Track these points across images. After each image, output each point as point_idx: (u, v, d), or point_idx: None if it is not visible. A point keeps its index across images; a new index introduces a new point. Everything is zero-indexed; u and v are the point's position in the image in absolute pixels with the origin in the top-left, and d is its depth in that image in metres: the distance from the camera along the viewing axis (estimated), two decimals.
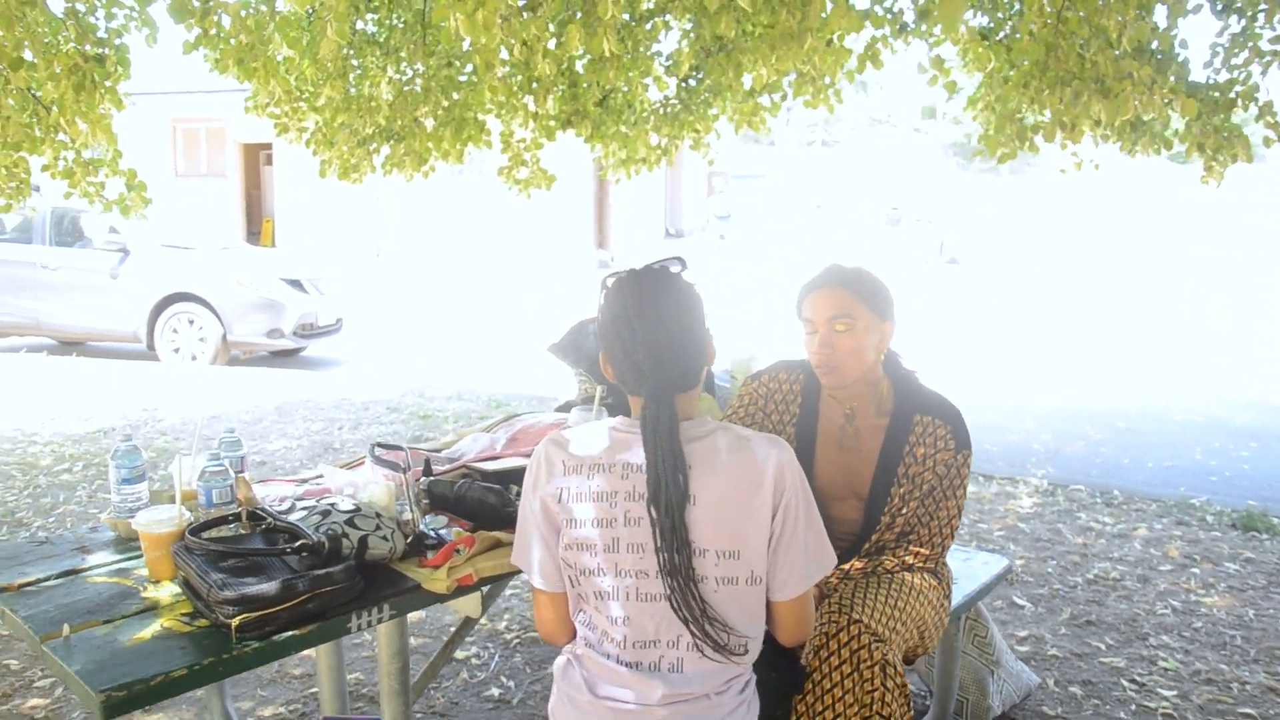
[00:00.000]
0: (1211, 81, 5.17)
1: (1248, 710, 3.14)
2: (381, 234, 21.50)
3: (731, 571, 1.63)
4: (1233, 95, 5.20)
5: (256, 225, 23.44)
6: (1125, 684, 3.30)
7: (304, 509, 1.85)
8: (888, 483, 2.18)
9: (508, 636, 3.62)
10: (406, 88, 5.45)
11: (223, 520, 1.82)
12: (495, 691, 3.20)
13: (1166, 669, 3.42)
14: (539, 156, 6.22)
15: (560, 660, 1.77)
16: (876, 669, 1.87)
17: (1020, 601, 3.97)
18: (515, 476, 2.36)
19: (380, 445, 2.14)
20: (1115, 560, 4.42)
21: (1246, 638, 3.68)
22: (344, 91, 5.36)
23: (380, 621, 1.73)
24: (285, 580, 1.57)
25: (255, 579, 1.58)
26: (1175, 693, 3.25)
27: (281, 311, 9.75)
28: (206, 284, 9.65)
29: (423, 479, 2.21)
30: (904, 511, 2.18)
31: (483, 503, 2.07)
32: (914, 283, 18.95)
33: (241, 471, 2.13)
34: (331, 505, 1.86)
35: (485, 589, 1.99)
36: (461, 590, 1.86)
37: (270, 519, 1.81)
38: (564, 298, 15.86)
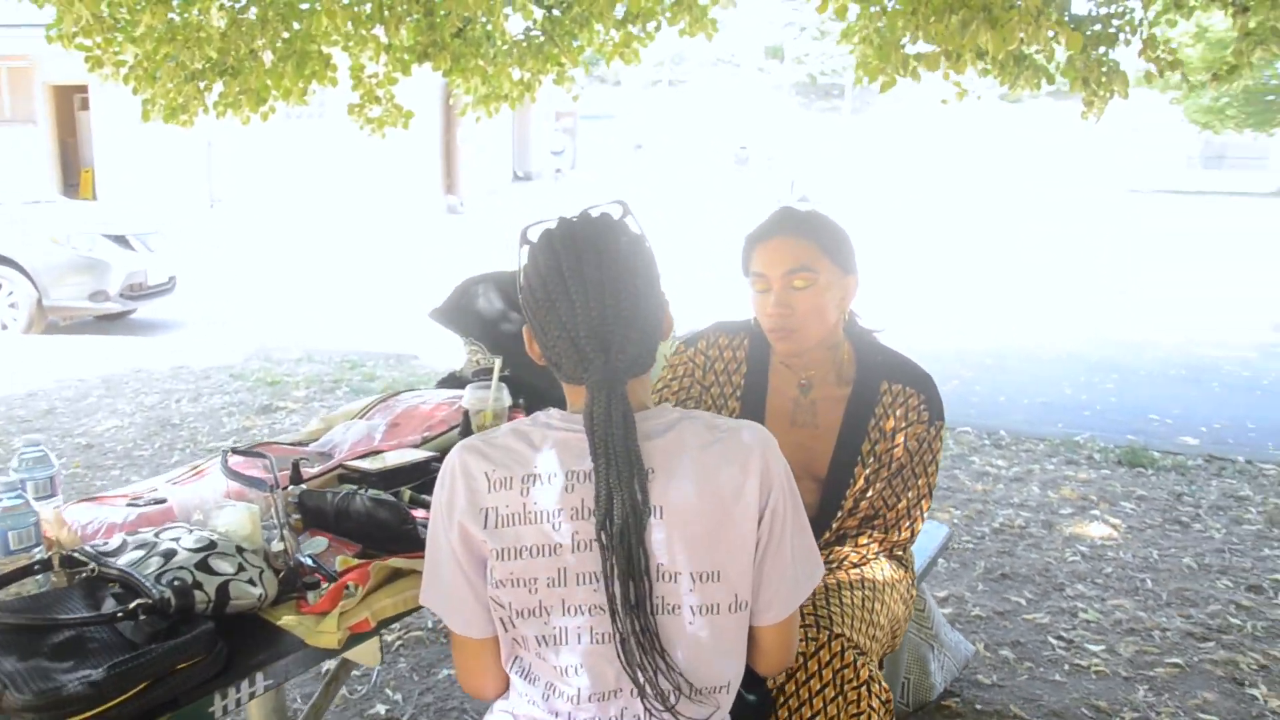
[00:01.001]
0: (1095, 15, 5.06)
1: (1174, 660, 3.05)
2: (215, 183, 20.10)
3: (711, 598, 1.30)
4: (1114, 29, 5.12)
5: (74, 177, 21.53)
6: (1053, 641, 3.16)
7: (139, 547, 1.42)
8: (850, 462, 1.88)
9: (388, 639, 3.22)
10: (241, 15, 4.81)
11: (25, 572, 1.37)
12: (381, 709, 2.80)
13: (1089, 621, 3.30)
14: (393, 93, 5.66)
15: None
16: (863, 690, 1.59)
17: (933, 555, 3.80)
18: (406, 476, 1.96)
19: (235, 451, 1.70)
20: (1017, 507, 4.32)
21: (1155, 580, 3.62)
22: (167, 19, 4.67)
23: (253, 697, 1.33)
24: (116, 664, 1.15)
25: (70, 664, 1.15)
26: (1102, 647, 3.12)
27: (105, 271, 8.80)
28: (15, 243, 8.62)
29: (291, 488, 1.79)
30: (869, 494, 1.89)
31: (372, 518, 1.66)
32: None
33: (50, 496, 1.65)
34: (176, 541, 1.43)
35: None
36: (356, 638, 1.46)
37: (93, 565, 1.37)
38: (413, 247, 15.16)
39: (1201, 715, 2.76)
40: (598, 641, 1.30)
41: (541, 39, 5.55)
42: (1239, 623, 3.30)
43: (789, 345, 1.79)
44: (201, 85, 5.07)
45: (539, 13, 5.45)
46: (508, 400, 2.19)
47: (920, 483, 1.89)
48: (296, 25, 5.14)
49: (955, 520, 4.16)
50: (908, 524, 1.91)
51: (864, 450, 1.88)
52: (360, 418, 2.38)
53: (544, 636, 1.31)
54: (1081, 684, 2.91)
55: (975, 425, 5.58)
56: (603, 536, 1.25)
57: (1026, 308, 10.23)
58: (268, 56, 5.12)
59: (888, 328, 2.05)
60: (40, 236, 8.69)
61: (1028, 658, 3.06)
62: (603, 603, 1.28)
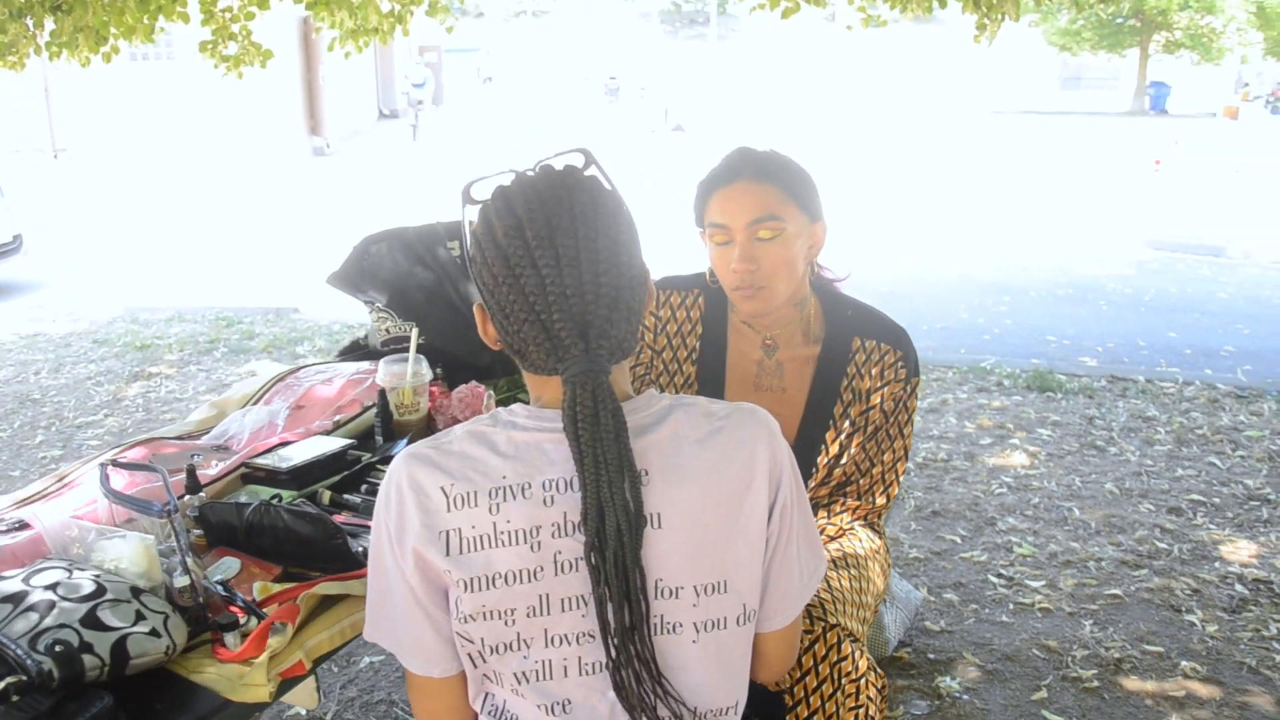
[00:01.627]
0: None
1: (1113, 591, 3.03)
2: (58, 132, 18.67)
3: (717, 611, 1.11)
4: None
5: None
6: (993, 580, 3.10)
7: (2, 600, 1.14)
8: (822, 426, 1.71)
9: None
10: None
11: None
12: (300, 709, 2.56)
13: (1025, 556, 3.26)
14: (249, 29, 5.18)
15: None
16: (860, 682, 1.43)
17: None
18: (322, 472, 1.71)
19: (116, 464, 1.42)
20: (937, 439, 4.27)
21: (1082, 508, 3.61)
22: None
23: None
24: None
25: None
26: (1043, 583, 3.09)
27: None
28: None
29: (189, 499, 1.52)
30: (842, 460, 1.73)
31: (292, 535, 1.41)
32: (643, 153, 18.72)
33: None
34: (52, 589, 1.16)
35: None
36: (289, 682, 1.23)
37: None
38: (280, 192, 14.40)
39: (1148, 647, 2.73)
40: (587, 673, 1.10)
41: None
42: (1165, 547, 3.31)
43: (755, 304, 1.59)
44: (28, 21, 4.52)
45: None
46: (427, 374, 1.95)
47: (897, 444, 1.74)
48: None
49: None
50: (883, 489, 1.75)
51: (836, 413, 1.70)
52: (257, 401, 2.10)
53: (524, 673, 1.10)
54: (1028, 623, 2.86)
55: None
56: (593, 557, 1.04)
57: (911, 232, 10.29)
58: None
59: (851, 274, 1.88)
60: None
61: (971, 599, 3.00)
62: (593, 629, 1.07)
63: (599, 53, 40.15)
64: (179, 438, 1.97)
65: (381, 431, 1.88)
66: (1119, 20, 28.15)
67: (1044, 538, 3.39)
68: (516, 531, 1.06)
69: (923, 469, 3.97)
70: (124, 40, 4.92)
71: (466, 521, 1.06)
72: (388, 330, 2.11)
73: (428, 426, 1.96)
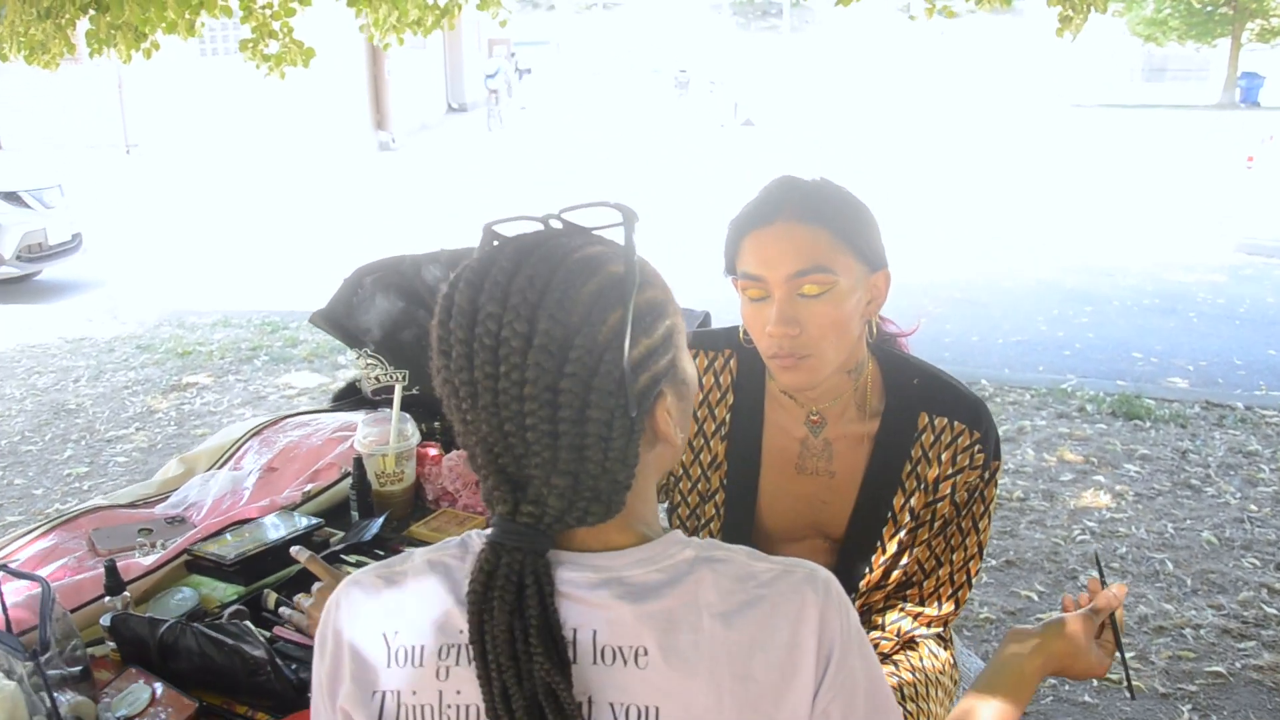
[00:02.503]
0: None
1: (1215, 668, 2.65)
2: (130, 127, 18.93)
3: None
4: None
5: None
6: None
7: None
8: (877, 521, 1.39)
9: None
10: None
11: None
12: None
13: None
14: (290, 26, 4.97)
15: None
16: None
17: None
18: (278, 561, 1.45)
19: (5, 569, 1.17)
20: (1013, 475, 3.90)
21: (1176, 561, 3.23)
22: None
23: None
24: None
25: None
26: (1132, 654, 2.72)
27: None
28: None
29: (105, 618, 1.26)
30: (903, 562, 1.41)
31: (208, 663, 1.15)
32: (714, 147, 18.37)
33: None
34: None
35: None
36: None
37: None
38: (343, 189, 14.35)
39: None
40: None
41: None
42: (1276, 613, 2.92)
43: (798, 377, 1.28)
44: (62, 20, 4.36)
45: None
46: (415, 435, 1.67)
47: (970, 541, 1.41)
48: None
49: None
50: (951, 593, 1.43)
51: (896, 505, 1.39)
52: (228, 459, 1.85)
53: None
54: (1116, 705, 2.51)
55: (954, 373, 5.13)
56: None
57: (989, 233, 9.81)
58: None
59: (919, 327, 1.56)
60: None
61: None
62: None
63: (670, 45, 39.84)
64: (133, 504, 1.73)
65: (357, 506, 1.62)
66: (1209, 9, 26.98)
67: (1133, 596, 3.01)
68: (467, 708, 0.78)
69: (996, 510, 3.61)
70: (165, 35, 4.76)
71: (408, 684, 0.80)
72: (376, 379, 1.84)
73: (415, 498, 1.69)
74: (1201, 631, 2.83)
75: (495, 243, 0.85)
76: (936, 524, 1.40)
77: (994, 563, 3.23)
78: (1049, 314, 6.67)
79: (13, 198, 8.29)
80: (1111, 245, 9.10)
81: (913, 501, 1.39)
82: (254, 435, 1.89)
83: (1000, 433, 4.16)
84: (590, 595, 0.79)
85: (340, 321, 1.86)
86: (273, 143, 17.84)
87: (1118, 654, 1.18)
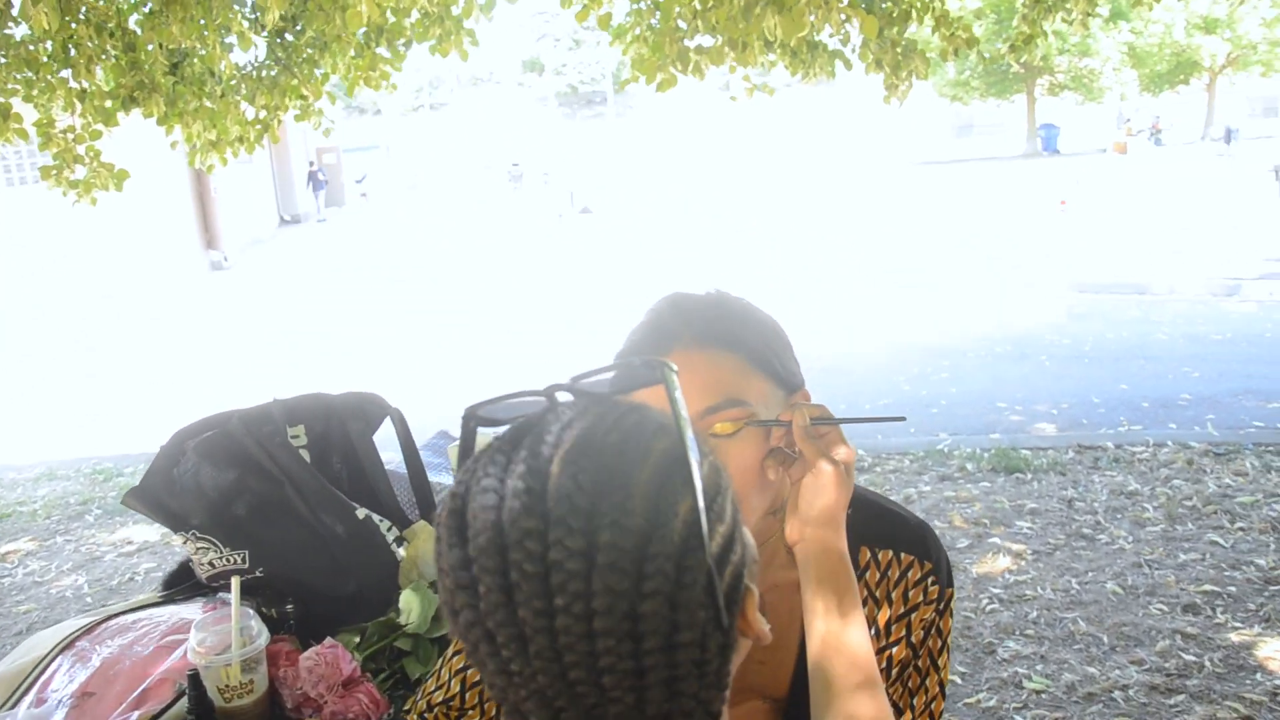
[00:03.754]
0: None
1: None
2: None
3: None
4: (906, 7, 4.79)
5: None
6: None
7: None
8: None
9: None
10: None
11: None
12: None
13: (1038, 694, 2.77)
14: (97, 150, 4.61)
15: None
16: None
17: None
18: None
19: None
20: None
21: (1088, 618, 3.14)
22: None
23: None
24: None
25: None
26: None
27: None
28: None
29: None
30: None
31: None
32: (555, 238, 18.37)
33: None
34: None
35: None
36: None
37: None
38: (175, 315, 13.61)
39: None
40: None
41: (276, 71, 4.65)
42: (1195, 659, 2.85)
43: None
44: None
45: (261, 44, 4.55)
46: (263, 634, 1.39)
47: (930, 682, 1.22)
48: None
49: None
50: None
51: None
52: (32, 682, 1.51)
53: None
54: None
55: None
56: None
57: (833, 301, 9.98)
58: None
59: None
60: None
61: None
62: None
63: (499, 140, 40.15)
64: None
65: None
66: (1004, 68, 28.97)
67: (1054, 664, 2.90)
68: None
69: None
70: None
71: None
72: (211, 564, 1.54)
73: (271, 709, 1.40)
74: (1130, 692, 2.72)
75: (492, 432, 0.64)
76: (894, 670, 1.20)
77: None
78: (910, 373, 6.73)
79: None
80: (953, 298, 9.37)
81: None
82: (63, 649, 1.55)
83: None
84: None
85: (160, 499, 1.55)
86: (95, 272, 16.87)
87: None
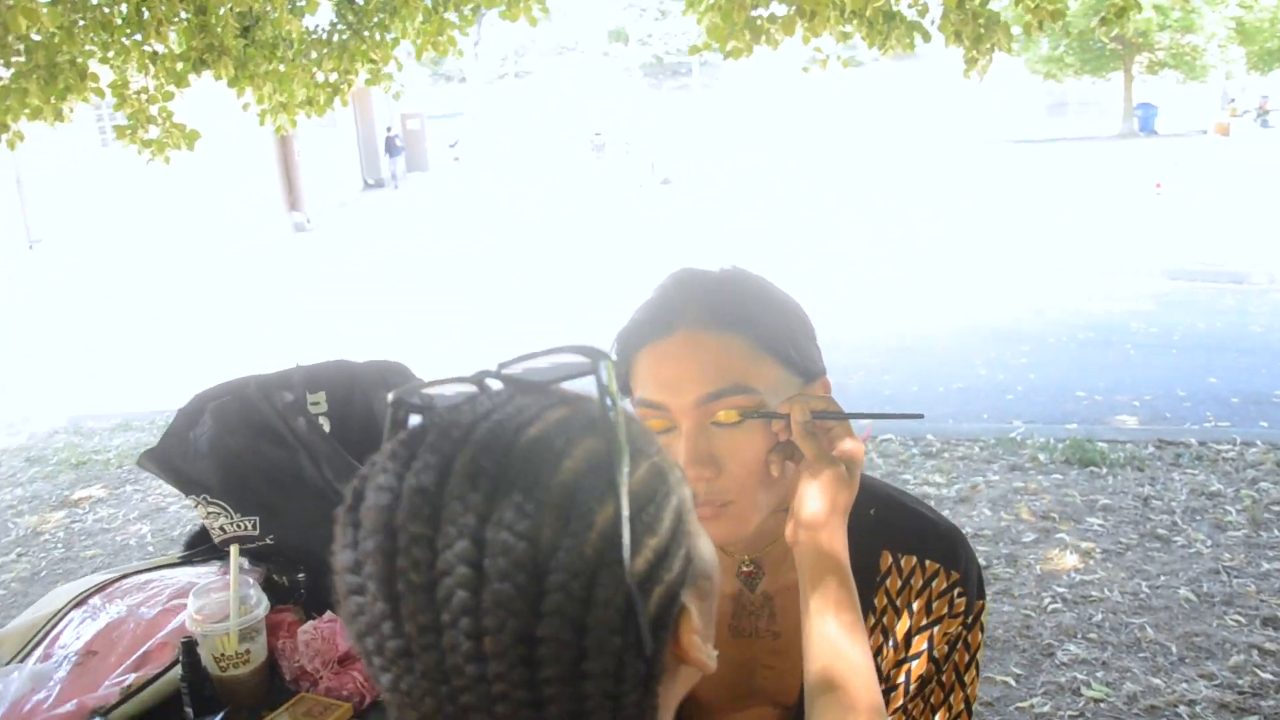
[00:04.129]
0: None
1: None
2: (33, 221, 18.23)
3: None
4: None
5: None
6: None
7: None
8: None
9: None
10: None
11: None
12: None
13: (1097, 701, 2.63)
14: (169, 111, 4.66)
15: None
16: None
17: None
18: None
19: None
20: (972, 539, 3.62)
21: (1156, 625, 2.98)
22: None
23: None
24: None
25: None
26: None
27: None
28: None
29: None
30: None
31: None
32: (634, 208, 18.30)
33: None
34: None
35: None
36: None
37: None
38: (257, 274, 13.91)
39: None
40: None
41: (345, 35, 4.64)
42: (1272, 678, 2.67)
43: (721, 529, 0.97)
44: None
45: (330, 10, 4.55)
46: (263, 604, 1.35)
47: (955, 699, 1.12)
48: (37, 36, 4.14)
49: None
50: None
51: None
52: (44, 636, 1.49)
53: None
54: None
55: (897, 430, 4.91)
56: None
57: (914, 280, 9.73)
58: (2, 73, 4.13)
59: (869, 433, 1.29)
60: None
61: None
62: None
63: (583, 110, 40.06)
64: None
65: (191, 700, 1.28)
66: (1099, 45, 27.92)
67: (1116, 671, 2.75)
68: None
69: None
70: (30, 121, 4.43)
71: None
72: (221, 529, 1.51)
73: (270, 678, 1.36)
74: (1197, 708, 2.57)
75: (413, 421, 0.57)
76: (913, 686, 1.11)
77: None
78: (986, 357, 6.51)
79: None
80: (1039, 282, 9.05)
81: (880, 663, 1.10)
82: (77, 605, 1.54)
83: (952, 493, 3.96)
84: None
85: (174, 462, 1.52)
86: (183, 231, 17.31)
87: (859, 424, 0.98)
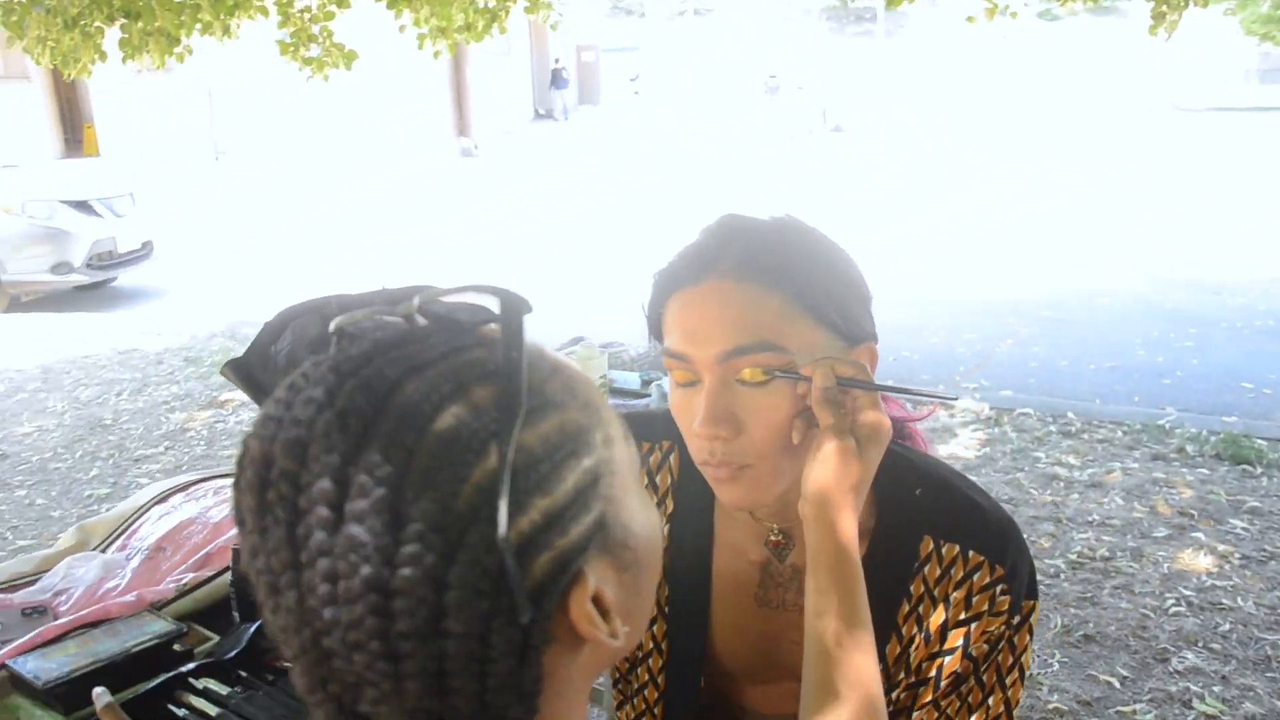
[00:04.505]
0: None
1: None
2: (219, 133, 19.28)
3: None
4: None
5: (76, 134, 20.83)
6: None
7: None
8: None
9: None
10: None
11: None
12: None
13: (1209, 716, 2.45)
14: (330, 30, 4.79)
15: None
16: None
17: None
18: (116, 677, 1.15)
19: None
20: (1098, 527, 3.44)
21: None
22: None
23: None
24: None
25: None
26: None
27: (67, 241, 8.06)
28: None
29: None
30: None
31: None
32: (800, 153, 17.93)
33: None
34: None
35: None
36: None
37: None
38: (422, 195, 14.32)
39: None
40: None
41: None
42: None
43: (736, 493, 0.93)
44: (90, 28, 4.22)
45: None
46: None
47: (994, 701, 1.04)
48: None
49: None
50: None
51: (889, 656, 1.03)
52: (124, 531, 1.57)
53: None
54: None
55: (1037, 405, 4.68)
56: None
57: (1086, 245, 9.19)
58: None
59: (934, 410, 1.20)
60: None
61: None
62: None
63: (761, 51, 39.29)
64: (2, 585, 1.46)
65: (238, 606, 1.32)
66: None
67: (1236, 688, 2.56)
68: None
69: (1076, 569, 3.16)
70: (202, 37, 4.63)
71: None
72: None
73: None
74: None
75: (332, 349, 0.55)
76: (945, 682, 1.03)
77: (1071, 636, 2.80)
78: (1148, 336, 6.11)
79: (83, 206, 8.35)
80: (1220, 260, 8.41)
81: (911, 652, 1.02)
82: (159, 501, 1.61)
83: (1085, 477, 3.75)
84: None
85: (253, 375, 1.56)
86: (359, 148, 17.97)
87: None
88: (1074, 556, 3.23)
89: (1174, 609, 2.92)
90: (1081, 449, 4.13)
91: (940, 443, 4.24)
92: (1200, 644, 2.75)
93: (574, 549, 0.50)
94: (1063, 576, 3.12)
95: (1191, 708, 2.48)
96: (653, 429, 1.11)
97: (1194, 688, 2.55)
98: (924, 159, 16.40)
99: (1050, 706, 2.50)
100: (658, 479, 1.11)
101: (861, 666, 0.83)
